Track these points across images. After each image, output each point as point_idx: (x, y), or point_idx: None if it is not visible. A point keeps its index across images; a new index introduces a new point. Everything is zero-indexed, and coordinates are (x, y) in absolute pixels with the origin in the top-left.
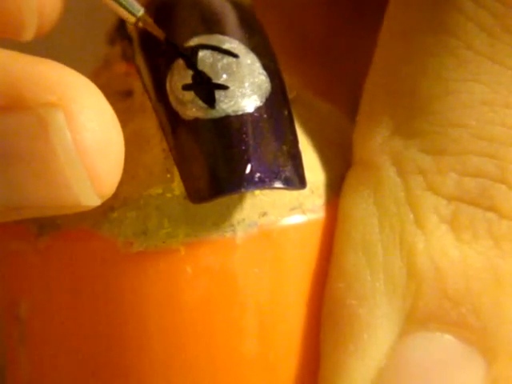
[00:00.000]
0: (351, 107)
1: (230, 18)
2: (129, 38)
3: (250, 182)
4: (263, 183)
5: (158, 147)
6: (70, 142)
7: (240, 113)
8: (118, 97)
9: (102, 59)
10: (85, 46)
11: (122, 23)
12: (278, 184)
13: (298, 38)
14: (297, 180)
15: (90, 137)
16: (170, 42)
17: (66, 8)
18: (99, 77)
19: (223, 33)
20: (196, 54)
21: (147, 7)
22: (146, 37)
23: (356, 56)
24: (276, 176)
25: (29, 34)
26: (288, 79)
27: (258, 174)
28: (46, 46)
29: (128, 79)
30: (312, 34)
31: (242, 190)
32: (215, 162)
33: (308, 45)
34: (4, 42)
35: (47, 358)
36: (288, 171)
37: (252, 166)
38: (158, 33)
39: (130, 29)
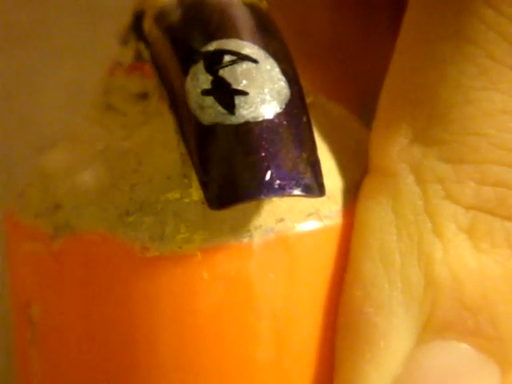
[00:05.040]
0: (358, 108)
1: (249, 22)
2: (145, 40)
3: (269, 189)
4: (283, 190)
5: (175, 151)
6: None
7: (260, 119)
8: (133, 99)
9: (113, 59)
10: (89, 44)
11: (137, 23)
12: (297, 191)
13: (304, 39)
14: (316, 188)
15: None
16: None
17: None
18: (114, 77)
19: (242, 37)
20: (220, 58)
21: (176, 6)
22: (165, 39)
23: (363, 57)
24: (296, 183)
25: None
26: (304, 84)
27: (277, 181)
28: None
29: (144, 81)
30: (319, 36)
31: (262, 196)
32: (234, 169)
33: (315, 46)
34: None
35: (59, 360)
36: (307, 179)
37: (272, 173)
38: None
39: (148, 30)
